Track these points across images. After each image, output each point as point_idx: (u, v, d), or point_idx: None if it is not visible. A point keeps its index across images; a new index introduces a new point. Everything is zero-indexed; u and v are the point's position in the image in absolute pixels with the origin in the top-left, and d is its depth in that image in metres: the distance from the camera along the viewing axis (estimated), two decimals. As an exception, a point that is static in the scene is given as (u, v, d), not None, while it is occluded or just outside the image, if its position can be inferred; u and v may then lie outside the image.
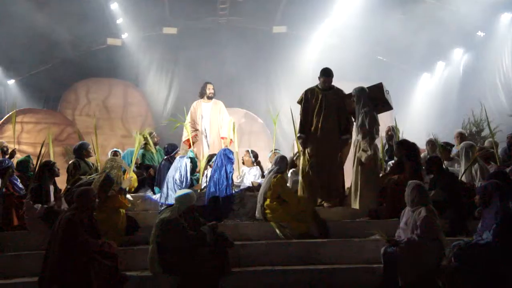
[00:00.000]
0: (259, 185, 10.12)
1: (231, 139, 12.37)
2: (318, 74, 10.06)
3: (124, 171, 10.39)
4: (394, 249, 7.26)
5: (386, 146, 12.25)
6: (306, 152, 9.81)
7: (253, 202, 9.65)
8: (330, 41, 20.54)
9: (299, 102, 10.21)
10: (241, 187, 10.45)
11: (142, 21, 19.81)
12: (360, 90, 9.75)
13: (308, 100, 9.99)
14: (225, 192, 9.72)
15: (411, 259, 7.11)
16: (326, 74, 9.98)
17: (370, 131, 9.67)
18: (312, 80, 18.55)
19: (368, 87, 9.90)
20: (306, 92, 10.11)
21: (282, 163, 9.61)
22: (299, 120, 10.16)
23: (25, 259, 7.90)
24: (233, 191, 10.03)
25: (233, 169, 10.25)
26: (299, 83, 18.84)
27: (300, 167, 9.87)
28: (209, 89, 12.69)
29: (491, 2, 16.46)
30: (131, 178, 9.95)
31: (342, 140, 9.99)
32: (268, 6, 19.89)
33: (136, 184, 10.23)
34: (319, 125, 9.75)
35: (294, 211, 8.86)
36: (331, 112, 9.82)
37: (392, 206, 8.87)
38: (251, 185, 10.52)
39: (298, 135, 9.98)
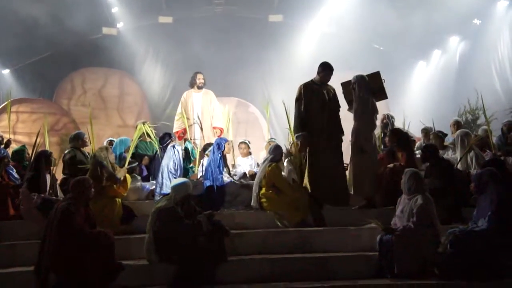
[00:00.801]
0: (255, 174, 10.16)
1: (221, 129, 12.43)
2: (316, 67, 9.92)
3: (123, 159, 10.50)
4: (390, 237, 7.30)
5: (382, 135, 12.28)
6: (307, 151, 9.48)
7: (246, 192, 9.69)
8: (326, 30, 20.58)
9: (298, 99, 9.81)
10: (238, 174, 10.49)
11: (138, 10, 19.78)
12: (360, 78, 9.64)
13: (308, 96, 9.68)
14: (219, 181, 9.75)
15: (406, 247, 7.17)
16: (330, 68, 9.77)
17: (371, 119, 9.76)
18: (308, 70, 18.58)
19: (367, 75, 9.81)
20: (305, 88, 9.76)
21: (276, 152, 9.63)
22: (296, 117, 9.75)
23: (21, 248, 7.94)
24: (230, 179, 10.07)
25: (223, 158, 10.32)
26: (295, 73, 19.12)
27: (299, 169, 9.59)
28: (199, 79, 12.71)
29: None
30: (126, 168, 9.95)
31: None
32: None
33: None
34: (325, 123, 9.51)
35: (289, 199, 8.90)
36: (336, 108, 9.73)
37: (388, 194, 8.92)
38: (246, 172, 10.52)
39: (300, 134, 9.50)
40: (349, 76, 9.93)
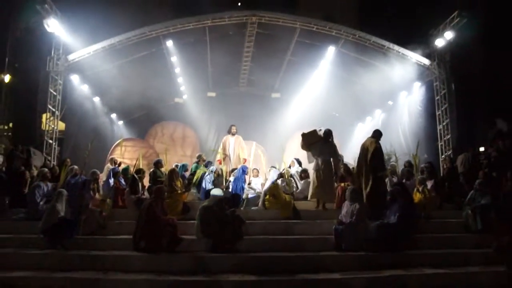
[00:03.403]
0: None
1: (245, 159, 12.47)
2: (299, 128, 9.77)
3: (183, 176, 10.66)
4: (340, 227, 7.49)
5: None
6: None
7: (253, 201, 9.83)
8: (306, 103, 20.46)
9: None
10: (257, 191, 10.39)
11: (195, 87, 19.90)
12: (329, 131, 9.63)
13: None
14: (240, 191, 9.91)
15: (350, 233, 7.34)
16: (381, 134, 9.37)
17: (339, 155, 9.94)
18: (293, 127, 18.86)
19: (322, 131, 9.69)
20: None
21: (274, 174, 9.88)
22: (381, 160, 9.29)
23: (125, 225, 8.09)
24: (250, 195, 10.10)
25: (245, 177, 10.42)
26: (286, 128, 19.46)
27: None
28: (233, 129, 12.81)
29: (395, 83, 16.56)
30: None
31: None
32: (269, 80, 20.12)
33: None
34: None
35: (281, 204, 9.02)
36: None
37: (340, 201, 9.04)
38: (260, 188, 10.43)
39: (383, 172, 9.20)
40: (319, 132, 10.02)
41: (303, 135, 9.72)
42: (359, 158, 9.29)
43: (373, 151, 8.86)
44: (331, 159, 9.43)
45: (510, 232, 6.39)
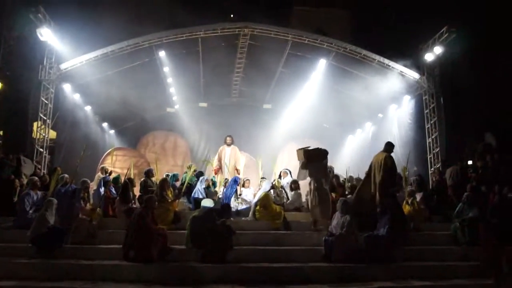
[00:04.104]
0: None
1: (239, 170, 12.54)
2: (291, 139, 9.61)
3: (174, 185, 10.65)
4: (330, 238, 7.54)
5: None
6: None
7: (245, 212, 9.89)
8: (296, 114, 20.54)
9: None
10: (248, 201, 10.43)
11: (187, 97, 19.89)
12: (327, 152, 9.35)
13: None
14: (229, 201, 9.85)
15: (340, 244, 7.39)
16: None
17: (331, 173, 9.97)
18: (285, 140, 18.96)
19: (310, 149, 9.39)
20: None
21: (267, 186, 9.94)
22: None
23: (115, 234, 8.08)
24: (242, 206, 10.22)
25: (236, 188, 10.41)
26: (277, 139, 19.59)
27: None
28: (228, 140, 12.93)
29: (385, 96, 16.66)
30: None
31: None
32: (261, 91, 20.18)
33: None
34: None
35: (272, 214, 9.09)
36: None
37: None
38: (252, 199, 10.38)
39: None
40: (310, 144, 10.05)
41: (306, 151, 9.23)
42: (369, 171, 8.99)
43: (384, 167, 8.56)
44: (323, 179, 9.08)
45: (497, 245, 6.45)
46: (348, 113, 18.88)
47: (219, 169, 12.53)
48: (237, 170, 12.51)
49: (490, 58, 16.80)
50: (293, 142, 20.31)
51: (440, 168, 14.57)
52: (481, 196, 9.86)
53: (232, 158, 12.68)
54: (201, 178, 10.65)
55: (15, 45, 16.48)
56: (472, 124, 17.64)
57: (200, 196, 9.94)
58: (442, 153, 15.40)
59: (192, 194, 10.22)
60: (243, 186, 11.12)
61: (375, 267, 7.09)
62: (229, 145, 12.88)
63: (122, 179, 10.21)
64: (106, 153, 17.43)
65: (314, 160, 9.10)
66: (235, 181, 10.37)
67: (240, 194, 10.86)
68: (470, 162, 14.57)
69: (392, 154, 8.95)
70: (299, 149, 9.40)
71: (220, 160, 12.69)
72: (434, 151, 15.64)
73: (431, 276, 7.02)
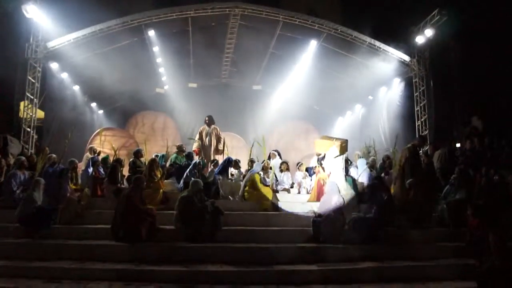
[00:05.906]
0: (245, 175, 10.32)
1: (221, 150, 12.54)
2: (281, 120, 9.65)
3: (163, 166, 10.58)
4: (318, 219, 7.58)
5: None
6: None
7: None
8: (286, 96, 20.62)
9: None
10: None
11: (176, 78, 19.74)
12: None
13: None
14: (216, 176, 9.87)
15: (328, 225, 7.43)
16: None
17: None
18: (275, 121, 19.03)
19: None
20: None
21: (258, 167, 9.93)
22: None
23: (104, 214, 8.07)
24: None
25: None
26: (266, 121, 19.50)
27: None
28: (206, 119, 12.89)
29: (376, 78, 16.68)
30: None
31: None
32: (251, 72, 20.02)
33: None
34: None
35: (261, 195, 9.10)
36: None
37: (318, 194, 9.18)
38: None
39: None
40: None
41: (343, 142, 9.56)
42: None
43: (405, 158, 8.93)
44: None
45: (483, 227, 6.51)
46: (338, 95, 18.89)
47: (200, 150, 12.42)
48: (218, 150, 12.44)
49: (480, 41, 16.78)
50: (283, 122, 20.40)
51: (428, 151, 14.64)
52: (468, 178, 9.92)
53: (213, 138, 12.63)
54: (193, 161, 10.46)
55: (-1, 22, 16.11)
56: (461, 107, 17.74)
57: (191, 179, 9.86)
58: (431, 135, 15.48)
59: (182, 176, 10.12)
60: (233, 167, 11.10)
61: (362, 248, 7.14)
62: (209, 125, 12.81)
63: (111, 159, 10.14)
64: (95, 133, 17.33)
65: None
66: (229, 159, 10.36)
67: (232, 174, 10.83)
68: (458, 145, 14.67)
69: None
70: (336, 139, 9.68)
71: (201, 140, 12.63)
72: (422, 134, 15.72)
73: (417, 257, 7.09)
